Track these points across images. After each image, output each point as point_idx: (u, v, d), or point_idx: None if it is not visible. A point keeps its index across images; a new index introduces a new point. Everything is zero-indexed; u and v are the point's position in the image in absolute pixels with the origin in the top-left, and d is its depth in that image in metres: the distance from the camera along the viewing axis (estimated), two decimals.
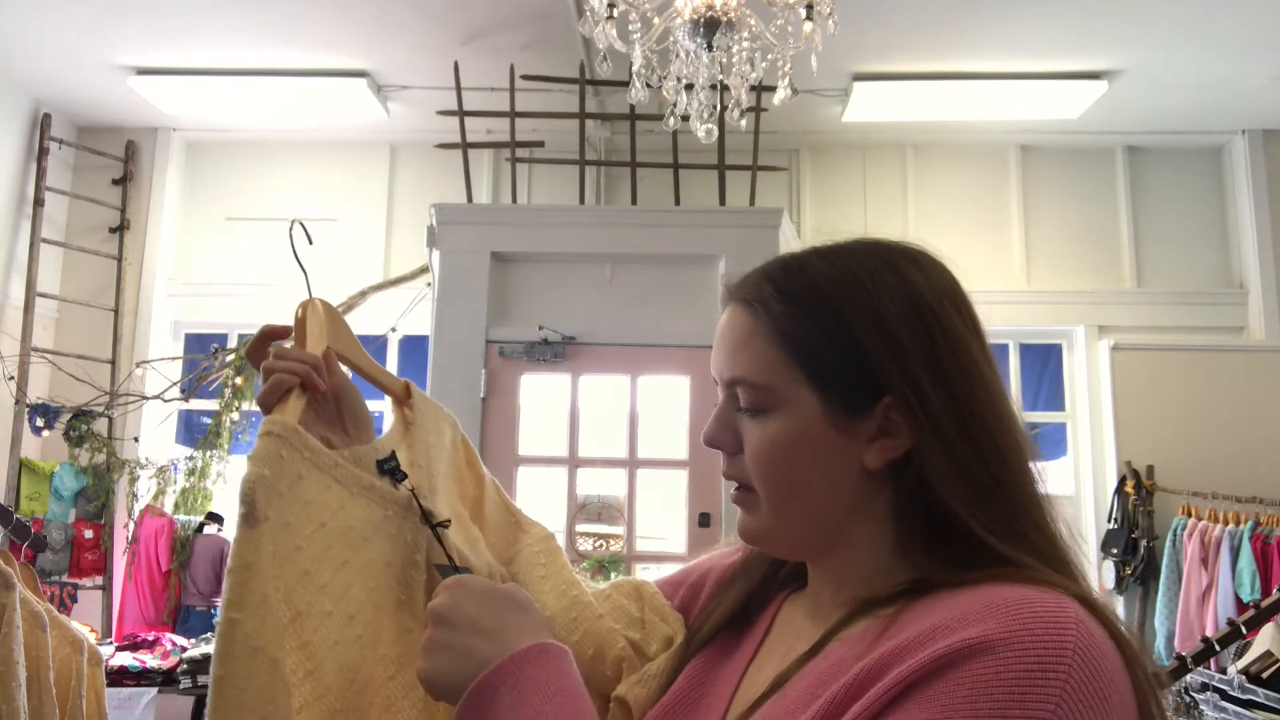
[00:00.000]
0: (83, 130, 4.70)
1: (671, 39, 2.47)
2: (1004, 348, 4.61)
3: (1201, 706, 2.38)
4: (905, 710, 0.53)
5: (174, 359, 4.64)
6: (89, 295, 4.51)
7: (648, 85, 2.52)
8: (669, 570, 0.95)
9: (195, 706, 3.59)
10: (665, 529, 3.64)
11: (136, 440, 4.42)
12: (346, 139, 4.74)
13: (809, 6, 2.36)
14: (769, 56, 2.49)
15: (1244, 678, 2.37)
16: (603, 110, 4.36)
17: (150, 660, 3.53)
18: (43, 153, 4.41)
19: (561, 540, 3.46)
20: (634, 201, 4.07)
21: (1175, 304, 4.51)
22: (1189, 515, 3.94)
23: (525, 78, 3.97)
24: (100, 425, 4.34)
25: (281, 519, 0.67)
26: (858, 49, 3.88)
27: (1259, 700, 2.30)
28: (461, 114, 3.93)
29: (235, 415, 4.27)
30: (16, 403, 4.18)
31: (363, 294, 4.51)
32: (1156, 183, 4.67)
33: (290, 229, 0.89)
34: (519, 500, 0.98)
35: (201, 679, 3.45)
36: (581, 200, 4.01)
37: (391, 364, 4.67)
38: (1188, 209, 4.64)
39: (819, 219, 4.66)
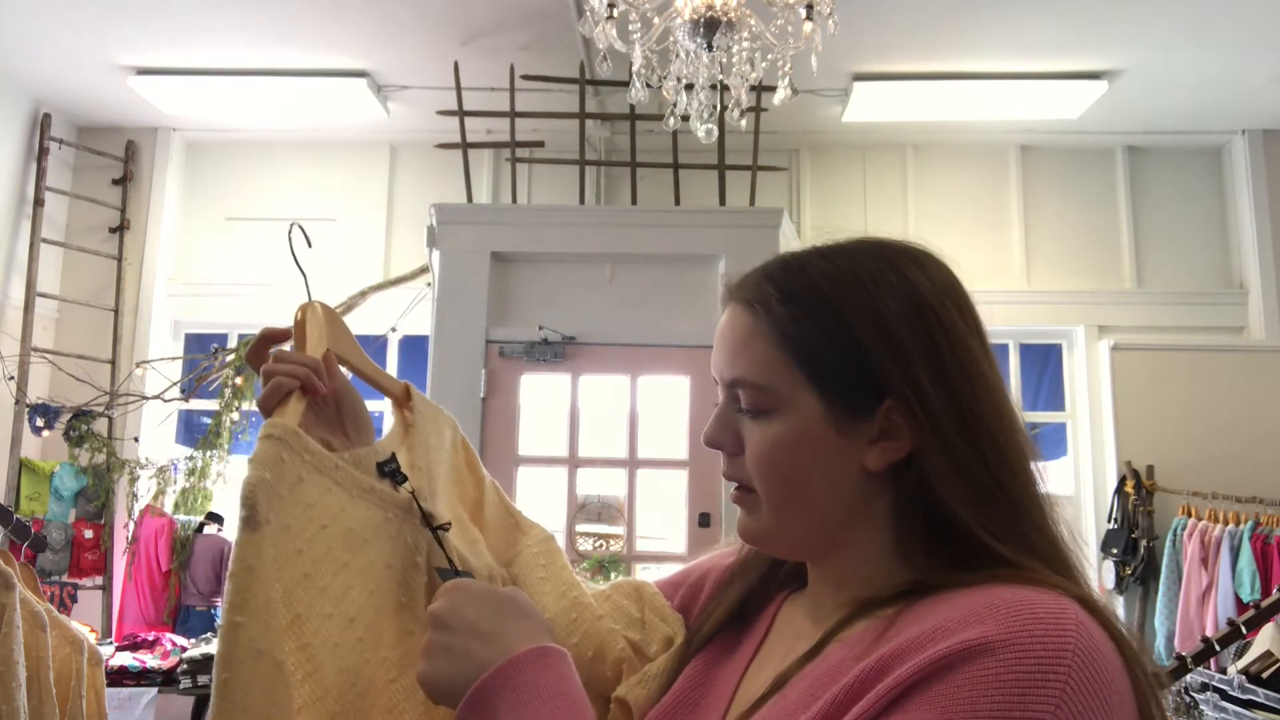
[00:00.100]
0: (83, 130, 4.70)
1: (671, 39, 2.47)
2: (1004, 348, 4.62)
3: (1201, 706, 2.38)
4: (905, 712, 0.53)
5: (174, 359, 4.64)
6: (89, 295, 4.52)
7: (648, 85, 2.52)
8: (669, 570, 0.95)
9: (195, 706, 3.59)
10: (665, 529, 3.64)
11: (136, 440, 4.42)
12: (346, 139, 4.74)
13: (809, 6, 2.36)
14: (769, 56, 2.49)
15: (1244, 678, 2.37)
16: (603, 110, 4.36)
17: (150, 660, 3.53)
18: (43, 153, 4.41)
19: (561, 540, 3.46)
20: (634, 201, 4.07)
21: (1175, 304, 4.51)
22: (1189, 515, 3.94)
23: (525, 78, 3.97)
24: (100, 425, 4.34)
25: (282, 522, 0.67)
26: (858, 49, 3.88)
27: (1259, 700, 2.30)
28: (461, 114, 3.93)
29: (235, 415, 4.27)
30: (16, 403, 4.18)
31: (363, 294, 4.51)
32: (1156, 183, 4.67)
33: (289, 232, 0.89)
34: (519, 500, 0.98)
35: (202, 679, 3.45)
36: (581, 200, 4.01)
37: (391, 364, 4.67)
38: (1188, 209, 4.64)
39: (819, 219, 4.66)
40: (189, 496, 4.25)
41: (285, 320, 0.83)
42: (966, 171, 4.71)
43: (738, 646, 0.77)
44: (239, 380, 4.25)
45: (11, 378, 4.16)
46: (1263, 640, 2.45)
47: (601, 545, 3.60)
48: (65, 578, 4.19)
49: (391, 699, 0.74)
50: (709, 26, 2.38)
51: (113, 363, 4.47)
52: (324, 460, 0.73)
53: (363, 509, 0.76)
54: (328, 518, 0.72)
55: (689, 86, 2.57)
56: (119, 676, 3.40)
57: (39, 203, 4.37)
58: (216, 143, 4.82)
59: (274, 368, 0.76)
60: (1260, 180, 4.48)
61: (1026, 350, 4.69)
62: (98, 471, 4.30)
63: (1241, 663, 2.44)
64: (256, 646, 0.61)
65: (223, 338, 4.70)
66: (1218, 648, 2.05)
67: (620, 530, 3.60)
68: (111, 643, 3.75)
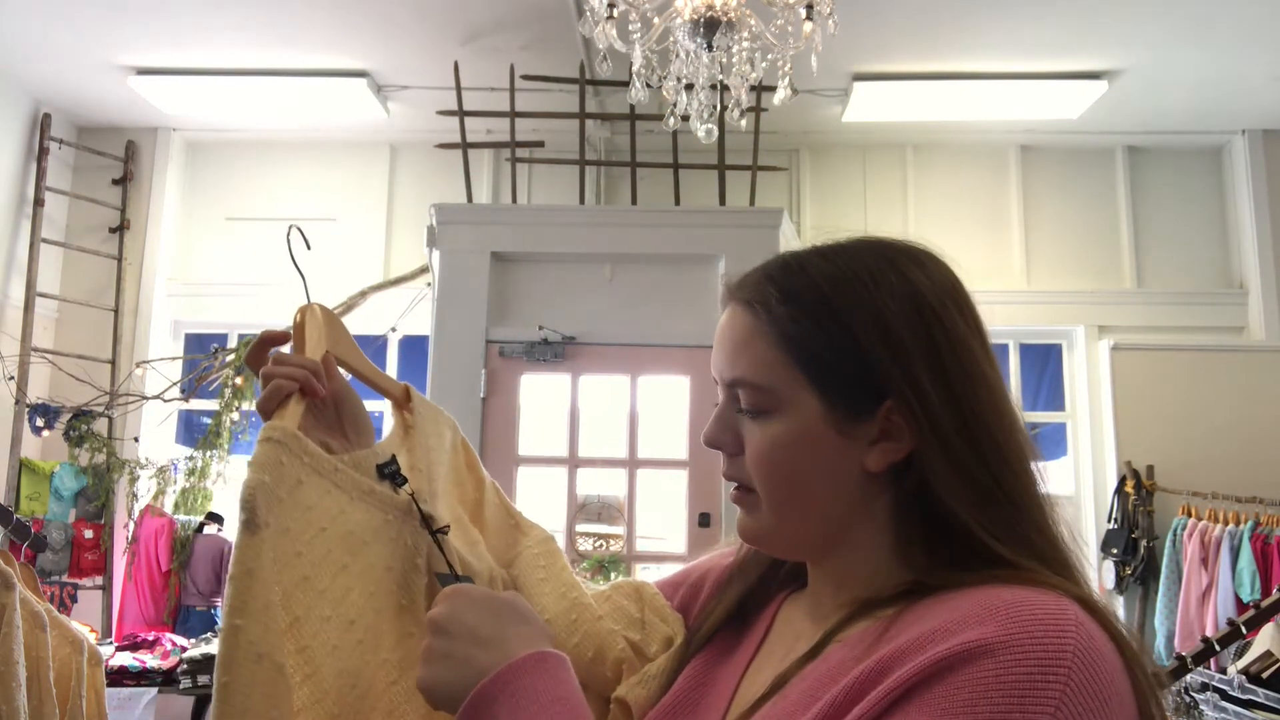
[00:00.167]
0: (83, 130, 4.70)
1: (671, 39, 2.47)
2: (1004, 348, 4.62)
3: (1201, 706, 2.38)
4: (905, 714, 0.53)
5: (174, 359, 4.64)
6: (89, 295, 4.52)
7: (648, 85, 2.52)
8: (669, 570, 0.95)
9: (195, 706, 3.59)
10: (665, 529, 3.64)
11: (136, 440, 4.42)
12: (346, 139, 4.74)
13: (809, 6, 2.36)
14: (769, 56, 2.49)
15: (1244, 678, 2.37)
16: (603, 110, 4.36)
17: (150, 660, 3.53)
18: (43, 153, 4.41)
19: (561, 540, 3.46)
20: (634, 201, 4.07)
21: (1175, 304, 4.51)
22: (1189, 515, 3.94)
23: (525, 78, 3.97)
24: (100, 425, 4.35)
25: (281, 525, 0.67)
26: (858, 49, 3.89)
27: (1259, 700, 2.30)
28: (461, 114, 3.93)
29: (235, 415, 4.27)
30: (16, 403, 4.18)
31: (362, 294, 4.51)
32: (1156, 183, 4.67)
33: (288, 235, 0.89)
34: (519, 500, 0.98)
35: (202, 679, 3.45)
36: (581, 200, 4.01)
37: (391, 364, 4.68)
38: (1188, 209, 4.64)
39: (819, 219, 4.66)
40: (189, 496, 4.25)
41: (285, 321, 0.83)
42: (966, 171, 4.71)
43: (737, 646, 0.77)
44: (239, 380, 4.25)
45: (11, 378, 4.16)
46: (1263, 640, 2.45)
47: (601, 545, 3.60)
48: (65, 578, 4.19)
49: (392, 701, 0.74)
50: (709, 26, 2.38)
51: (113, 363, 4.47)
52: (323, 463, 0.73)
53: (362, 511, 0.76)
54: (327, 520, 0.72)
55: (689, 86, 2.57)
56: (119, 676, 3.40)
57: (39, 203, 4.37)
58: (216, 143, 4.82)
59: (273, 370, 0.76)
60: (1260, 180, 4.48)
61: (1026, 350, 4.69)
62: (98, 471, 4.30)
63: (1241, 663, 2.44)
64: (257, 650, 0.61)
65: (223, 338, 4.70)
66: (1218, 648, 2.05)
67: (620, 530, 3.60)
68: (111, 643, 3.75)
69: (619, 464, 3.60)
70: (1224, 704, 2.35)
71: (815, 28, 2.36)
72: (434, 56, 3.97)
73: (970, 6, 3.56)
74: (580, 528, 3.60)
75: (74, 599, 4.20)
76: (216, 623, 4.09)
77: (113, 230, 4.61)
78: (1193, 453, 4.09)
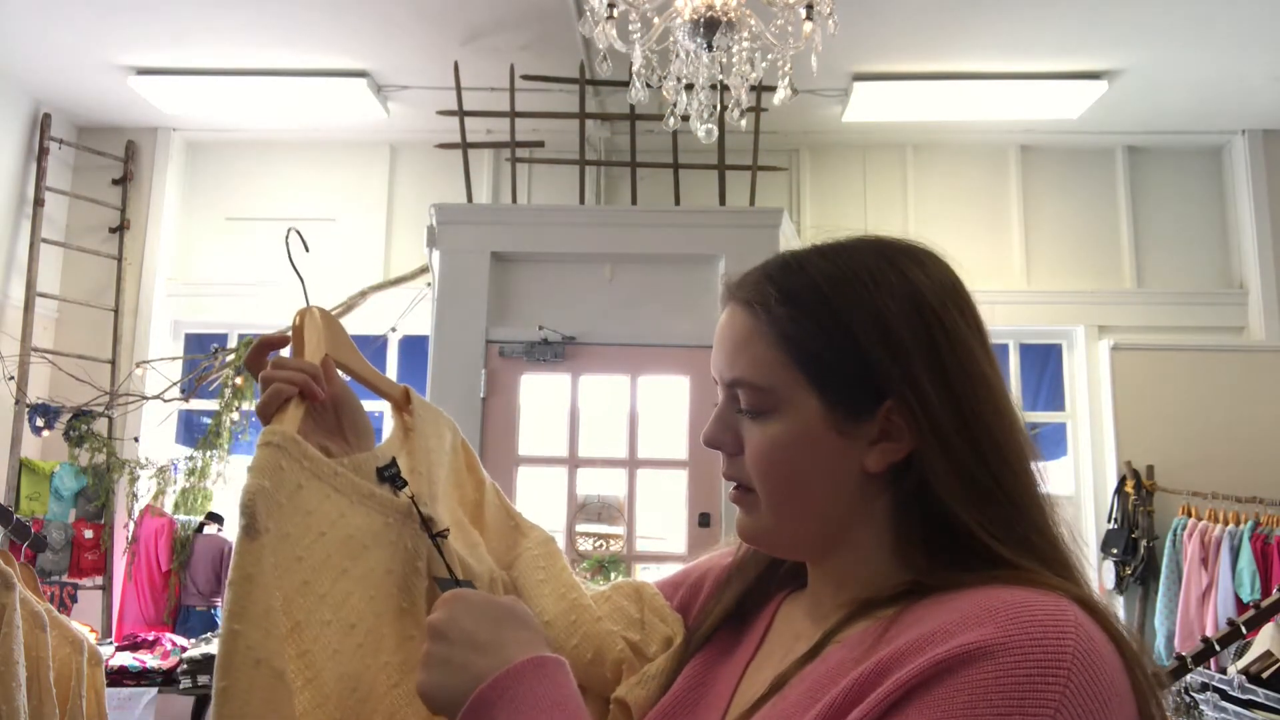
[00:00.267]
0: (83, 130, 4.70)
1: (671, 39, 2.47)
2: (1004, 348, 4.62)
3: (1201, 706, 2.38)
4: (905, 716, 0.52)
5: (174, 359, 4.64)
6: (89, 295, 4.52)
7: (648, 85, 2.52)
8: (669, 570, 0.95)
9: (195, 706, 3.59)
10: (665, 529, 3.64)
11: (136, 440, 4.42)
12: (346, 139, 4.74)
13: (809, 6, 2.36)
14: (769, 56, 2.49)
15: (1244, 678, 2.37)
16: (603, 110, 4.36)
17: (150, 660, 3.53)
18: (43, 153, 4.41)
19: (561, 540, 3.46)
20: (634, 201, 4.07)
21: (1175, 304, 4.51)
22: (1189, 515, 3.94)
23: (525, 78, 3.97)
24: (100, 425, 4.35)
25: (281, 530, 0.67)
26: (858, 49, 3.88)
27: (1259, 700, 2.30)
28: (461, 114, 3.93)
29: (235, 415, 4.27)
30: (16, 403, 4.19)
31: (362, 294, 4.51)
32: (1156, 183, 4.67)
33: (286, 237, 0.89)
34: (519, 500, 0.98)
35: (202, 679, 3.45)
36: (581, 200, 4.02)
37: (391, 364, 4.68)
38: (1188, 209, 4.64)
39: (819, 219, 4.66)
40: (189, 496, 4.25)
41: (285, 321, 0.83)
42: (966, 171, 4.71)
43: (737, 646, 0.77)
44: (239, 380, 4.26)
45: (11, 378, 4.16)
46: (1263, 640, 2.45)
47: (601, 545, 3.60)
48: (65, 578, 4.19)
49: (392, 704, 0.74)
50: (709, 26, 2.38)
51: (113, 363, 4.47)
52: (323, 466, 0.73)
53: (362, 515, 0.76)
54: (326, 524, 0.72)
55: (689, 86, 2.57)
56: (119, 676, 3.40)
57: (39, 203, 4.37)
58: (216, 143, 4.82)
59: (272, 374, 0.76)
60: (1260, 180, 4.48)
61: (1026, 350, 4.69)
62: (98, 471, 4.30)
63: (1241, 663, 2.44)
64: (255, 655, 0.61)
65: (223, 338, 4.70)
66: (1218, 648, 2.05)
67: (620, 530, 3.60)
68: (111, 643, 3.75)
69: (619, 464, 3.60)
70: (1224, 704, 2.35)
71: (815, 28, 2.36)
72: (434, 56, 3.97)
73: (970, 6, 3.56)
74: (580, 528, 3.60)
75: (74, 599, 4.20)
76: (217, 623, 4.09)
77: (113, 230, 4.61)
78: (1193, 453, 4.09)
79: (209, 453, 4.25)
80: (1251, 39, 3.72)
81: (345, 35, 3.87)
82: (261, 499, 0.66)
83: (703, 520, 3.49)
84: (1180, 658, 2.08)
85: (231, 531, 4.25)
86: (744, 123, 2.77)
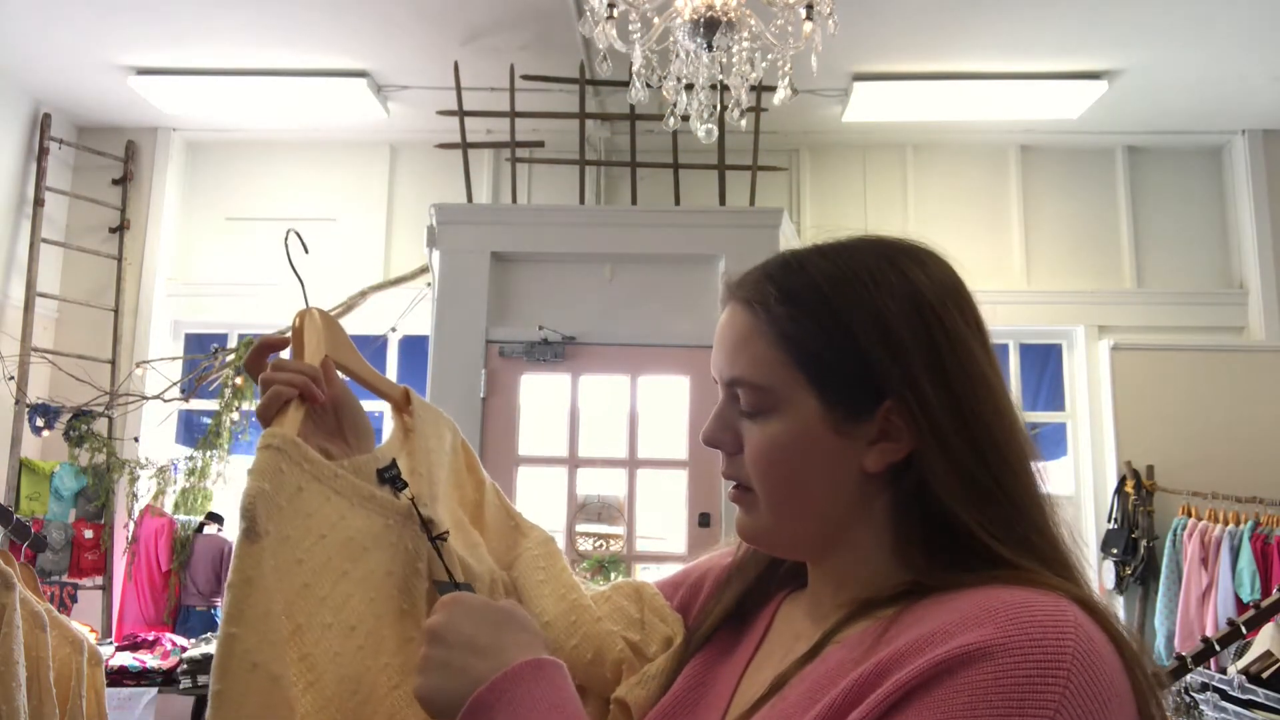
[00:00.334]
0: (83, 130, 4.70)
1: (671, 39, 2.47)
2: (1004, 348, 4.61)
3: (1201, 706, 2.38)
4: (905, 717, 0.52)
5: (174, 359, 4.64)
6: (89, 295, 4.52)
7: (648, 85, 2.52)
8: (669, 570, 0.95)
9: (195, 706, 3.59)
10: (665, 529, 3.64)
11: (136, 440, 4.42)
12: (346, 139, 4.74)
13: (809, 6, 2.36)
14: (769, 56, 2.49)
15: (1244, 678, 2.37)
16: (603, 110, 4.36)
17: (150, 660, 3.53)
18: (43, 153, 4.41)
19: (561, 540, 3.46)
20: (634, 201, 4.07)
21: (1175, 304, 4.51)
22: (1189, 515, 3.94)
23: (525, 78, 3.97)
24: (100, 425, 4.34)
25: (282, 533, 0.67)
26: (858, 49, 3.88)
27: (1259, 700, 2.30)
28: (461, 114, 3.93)
29: (235, 415, 4.27)
30: (16, 403, 4.18)
31: (362, 294, 4.52)
32: (1156, 183, 4.67)
33: (286, 238, 0.89)
34: (519, 500, 0.98)
35: (201, 679, 3.45)
36: (581, 200, 4.02)
37: (391, 364, 4.68)
38: (1188, 209, 4.64)
39: (819, 219, 4.66)
40: (189, 496, 4.25)
41: (285, 321, 0.83)
42: (966, 171, 4.71)
43: (737, 646, 0.77)
44: (239, 380, 4.26)
45: (11, 378, 4.16)
46: (1263, 640, 2.45)
47: (601, 545, 3.60)
48: (65, 578, 4.19)
49: (393, 706, 0.74)
50: (709, 26, 2.38)
51: (113, 363, 4.47)
52: (323, 469, 0.73)
53: (362, 517, 0.76)
54: (326, 527, 0.72)
55: (689, 86, 2.57)
56: (119, 676, 3.41)
57: (39, 203, 4.37)
58: (216, 143, 4.82)
59: (272, 376, 0.76)
60: (1260, 180, 4.48)
61: (1026, 350, 4.69)
62: (98, 471, 4.30)
63: (1241, 663, 2.44)
64: (251, 659, 0.61)
65: (223, 338, 4.70)
66: (1218, 648, 2.05)
67: (620, 530, 3.60)
68: (111, 643, 3.75)
69: (619, 464, 3.60)
70: (1224, 704, 2.35)
71: (815, 28, 2.36)
72: (434, 56, 3.97)
73: (970, 6, 3.56)
74: (580, 528, 3.60)
75: (74, 599, 4.20)
76: (217, 623, 4.07)
77: (113, 230, 4.61)
78: (1193, 453, 4.09)
79: (209, 453, 4.25)
80: (1251, 39, 3.72)
81: (345, 35, 3.87)
82: (262, 502, 0.66)
83: (703, 520, 3.49)
84: (1180, 658, 2.08)
85: (231, 532, 4.25)
86: (744, 123, 2.77)
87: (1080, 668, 0.52)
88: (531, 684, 0.64)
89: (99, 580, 4.30)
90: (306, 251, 0.86)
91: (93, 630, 3.82)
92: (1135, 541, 4.04)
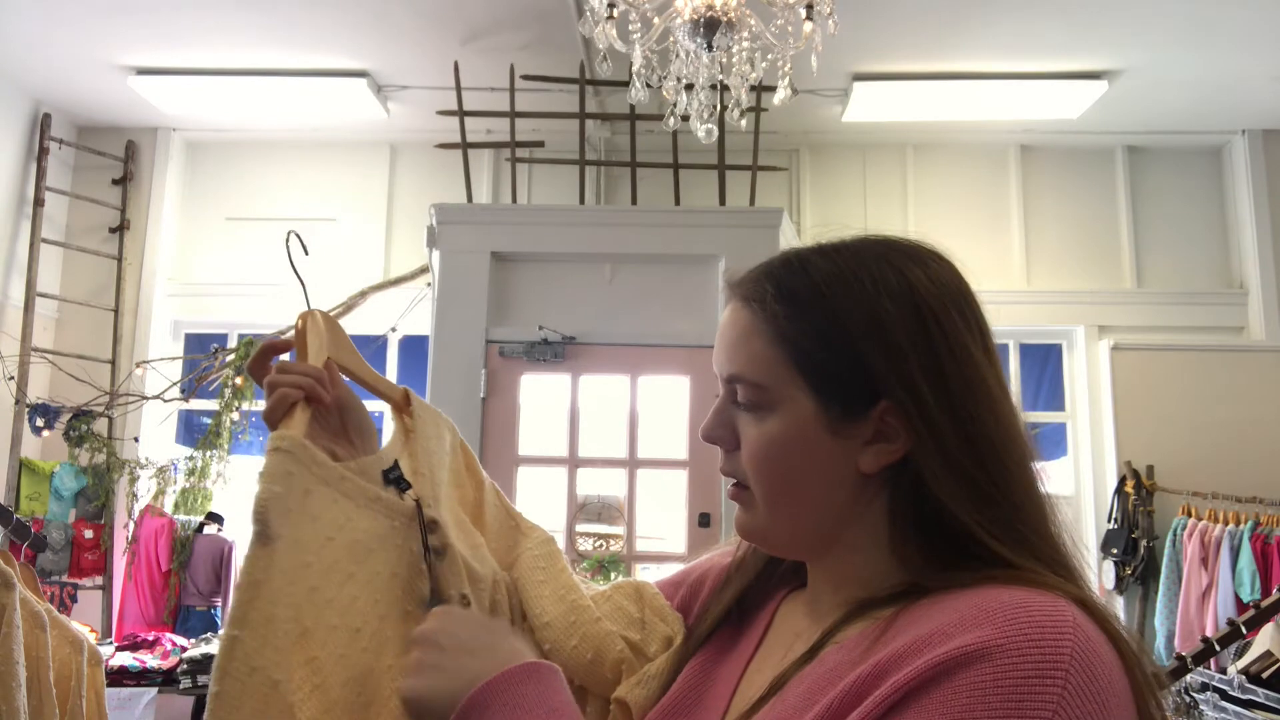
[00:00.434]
0: (83, 130, 4.70)
1: (671, 39, 2.47)
2: (1004, 348, 4.61)
3: (1201, 706, 2.38)
4: (904, 718, 0.53)
5: (174, 359, 4.64)
6: (89, 295, 4.52)
7: (648, 85, 2.52)
8: (669, 570, 0.95)
9: (195, 706, 3.59)
10: (665, 529, 3.64)
11: (136, 440, 4.42)
12: (346, 139, 4.74)
13: (809, 6, 2.36)
14: (769, 56, 2.49)
15: (1244, 678, 2.37)
16: (603, 110, 4.36)
17: (150, 660, 3.53)
18: (43, 153, 4.41)
19: (561, 540, 3.46)
20: (634, 201, 4.07)
21: (1175, 304, 4.51)
22: (1189, 515, 3.94)
23: (525, 78, 3.97)
24: (100, 425, 4.35)
25: (291, 536, 0.67)
26: (858, 49, 3.88)
27: (1259, 700, 2.30)
28: (461, 114, 3.93)
29: (235, 415, 4.27)
30: (16, 403, 4.18)
31: (362, 294, 4.52)
32: (1156, 183, 4.67)
33: (287, 240, 0.89)
34: (519, 501, 0.98)
35: (201, 679, 3.46)
36: (581, 200, 4.02)
37: (391, 364, 4.68)
38: (1188, 209, 4.64)
39: (819, 219, 4.66)
40: (189, 496, 4.25)
41: (285, 321, 0.84)
42: (966, 171, 4.71)
43: (737, 645, 0.77)
44: (239, 380, 4.25)
45: (11, 378, 4.16)
46: (1263, 640, 2.45)
47: (601, 545, 3.60)
48: (65, 578, 4.19)
49: (397, 708, 0.74)
50: (709, 26, 2.38)
51: (113, 363, 4.47)
52: (330, 471, 0.73)
53: (368, 519, 0.76)
54: (334, 529, 0.72)
55: (689, 86, 2.57)
56: (119, 676, 3.41)
57: (39, 203, 4.37)
58: (216, 143, 4.82)
59: (278, 379, 0.76)
60: (1260, 180, 4.48)
61: (1026, 350, 4.69)
62: (98, 471, 4.30)
63: (1241, 663, 2.44)
64: (251, 663, 0.61)
65: (223, 338, 4.70)
66: (1218, 648, 2.05)
67: (620, 530, 3.60)
68: (111, 643, 3.75)
69: (619, 464, 3.60)
70: (1224, 704, 2.35)
71: (815, 28, 2.36)
72: (434, 56, 3.97)
73: (970, 6, 3.56)
74: (580, 528, 3.60)
75: (74, 599, 4.20)
76: (217, 623, 4.09)
77: (113, 230, 4.61)
78: (1193, 453, 4.10)
79: (209, 453, 4.25)
80: (1251, 39, 3.72)
81: (345, 35, 3.87)
82: (274, 505, 0.66)
83: (703, 520, 3.49)
84: (1180, 658, 2.08)
85: (231, 532, 4.26)
86: (744, 123, 2.77)
87: (1079, 668, 0.52)
88: (528, 685, 0.64)
89: (99, 580, 4.30)
90: (306, 253, 0.86)
91: (93, 630, 3.82)
92: (1135, 541, 4.04)
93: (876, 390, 0.65)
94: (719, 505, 3.47)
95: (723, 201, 3.97)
